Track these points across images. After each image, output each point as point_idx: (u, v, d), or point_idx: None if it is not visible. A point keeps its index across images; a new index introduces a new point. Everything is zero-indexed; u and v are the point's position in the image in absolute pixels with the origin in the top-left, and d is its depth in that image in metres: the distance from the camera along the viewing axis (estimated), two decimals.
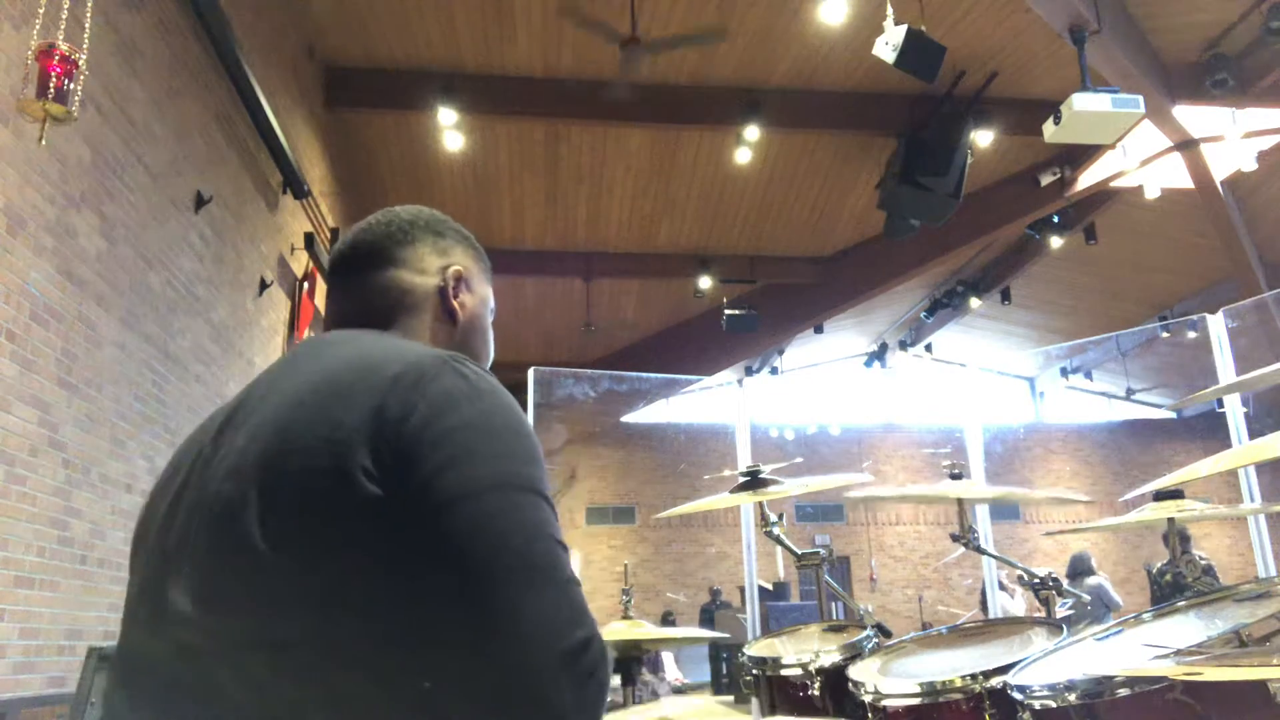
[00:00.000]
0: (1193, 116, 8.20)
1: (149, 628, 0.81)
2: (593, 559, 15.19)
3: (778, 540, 2.64)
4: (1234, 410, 3.92)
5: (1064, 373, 17.10)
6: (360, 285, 1.04)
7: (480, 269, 1.13)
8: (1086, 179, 9.66)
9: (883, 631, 2.23)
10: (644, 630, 1.86)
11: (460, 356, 0.86)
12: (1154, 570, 6.58)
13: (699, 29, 7.47)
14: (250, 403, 0.87)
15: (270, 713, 0.72)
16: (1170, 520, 2.06)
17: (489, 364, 1.11)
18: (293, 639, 0.73)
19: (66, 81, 3.15)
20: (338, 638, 0.73)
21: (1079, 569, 6.86)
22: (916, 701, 1.76)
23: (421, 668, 0.73)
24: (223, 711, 0.73)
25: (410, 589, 0.74)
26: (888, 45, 6.01)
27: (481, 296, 1.11)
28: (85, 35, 3.42)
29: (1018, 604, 6.77)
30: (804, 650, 2.25)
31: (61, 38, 3.22)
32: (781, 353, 15.58)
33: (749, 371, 15.60)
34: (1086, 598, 6.33)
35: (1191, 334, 12.70)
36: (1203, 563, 6.22)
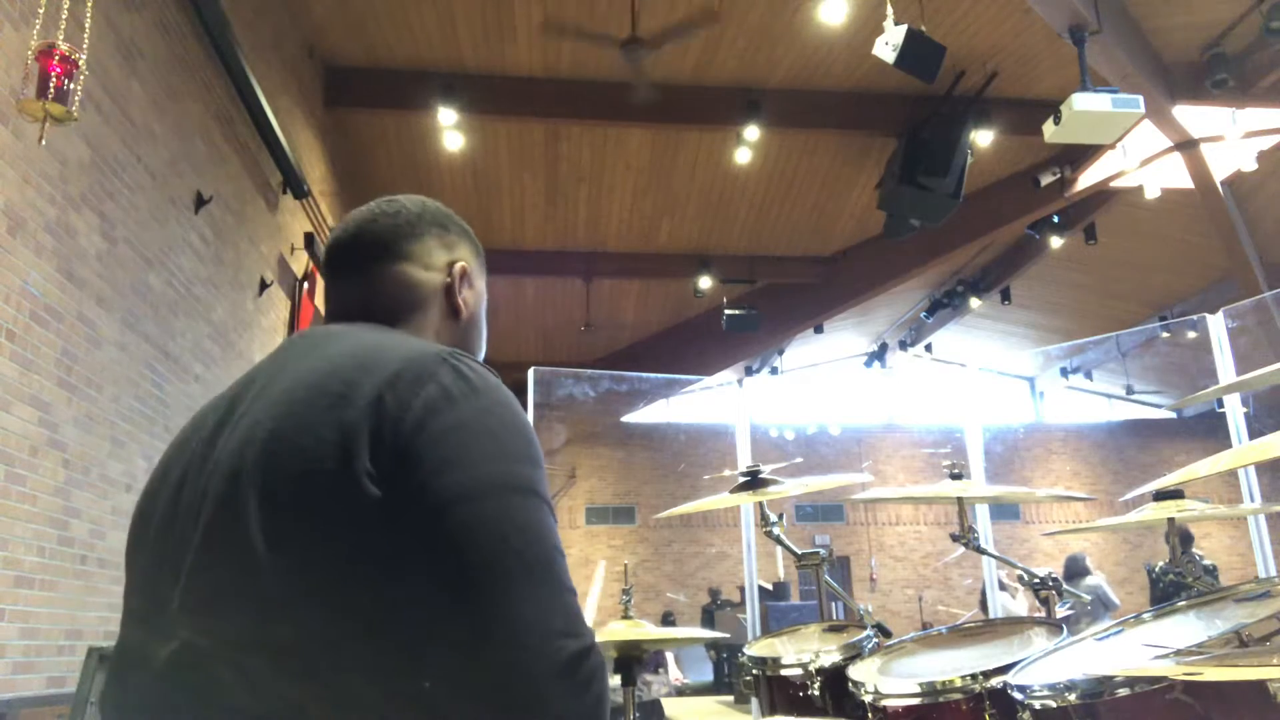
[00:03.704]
0: (1193, 116, 8.19)
1: (148, 628, 0.81)
2: (593, 559, 15.19)
3: (778, 540, 2.64)
4: (1234, 410, 3.92)
5: (1064, 373, 17.10)
6: (366, 278, 1.02)
7: (479, 264, 1.12)
8: (1086, 179, 9.66)
9: (883, 631, 2.23)
10: (644, 630, 1.86)
11: (459, 353, 0.85)
12: (1155, 570, 6.57)
13: (693, 20, 7.44)
14: (245, 400, 0.86)
15: (271, 713, 0.72)
16: (1170, 520, 2.06)
17: (482, 356, 1.10)
18: (293, 641, 0.73)
19: (66, 81, 3.15)
20: (338, 640, 0.73)
21: (1074, 570, 6.87)
22: (916, 701, 1.76)
23: (421, 670, 0.73)
24: (223, 712, 0.73)
25: (410, 592, 0.73)
26: (888, 45, 6.00)
27: (480, 292, 1.11)
28: (85, 35, 3.42)
29: (1019, 603, 6.76)
30: (804, 650, 2.25)
31: (61, 38, 3.22)
32: (781, 353, 15.57)
33: (749, 371, 15.60)
34: (1086, 598, 6.33)
35: (1191, 334, 12.70)
36: (1204, 563, 6.22)
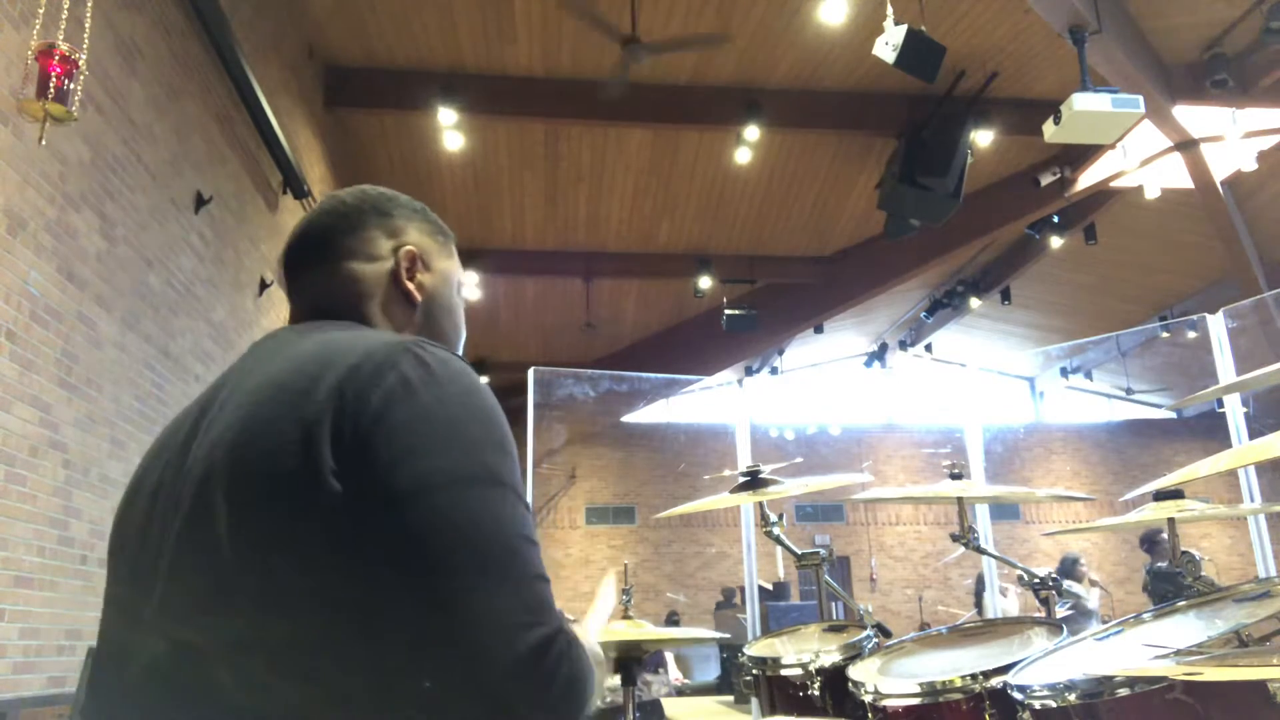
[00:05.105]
0: (1193, 116, 8.19)
1: (129, 632, 0.80)
2: (593, 559, 15.19)
3: (778, 540, 2.64)
4: (1234, 410, 3.92)
5: (1064, 373, 17.10)
6: (312, 279, 1.00)
7: (438, 245, 1.06)
8: (1086, 179, 9.66)
9: (883, 631, 2.23)
10: (644, 630, 1.86)
11: (422, 341, 0.83)
12: (1149, 572, 6.54)
13: (700, 35, 7.47)
14: (216, 404, 0.85)
15: (263, 715, 0.71)
16: (1170, 520, 2.06)
17: (460, 342, 1.07)
18: (264, 642, 0.71)
19: (66, 81, 3.15)
20: (306, 643, 0.71)
21: (1063, 572, 6.86)
22: (916, 701, 1.76)
23: (399, 670, 0.71)
24: (207, 715, 0.72)
25: (375, 589, 0.71)
26: (888, 45, 6.00)
27: (442, 273, 1.05)
28: (85, 35, 3.42)
29: (1010, 602, 6.78)
30: (804, 650, 2.25)
31: (61, 38, 3.22)
32: (781, 353, 15.57)
33: (749, 371, 15.60)
34: (1085, 597, 6.31)
35: (1191, 334, 12.69)
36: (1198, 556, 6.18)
